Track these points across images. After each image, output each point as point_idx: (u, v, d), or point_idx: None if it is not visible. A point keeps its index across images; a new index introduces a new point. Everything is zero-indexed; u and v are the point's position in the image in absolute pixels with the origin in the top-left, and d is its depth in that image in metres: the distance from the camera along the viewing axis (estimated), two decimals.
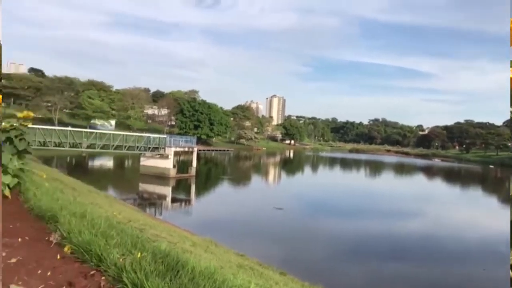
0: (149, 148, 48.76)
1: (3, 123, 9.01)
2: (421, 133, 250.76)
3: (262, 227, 28.65)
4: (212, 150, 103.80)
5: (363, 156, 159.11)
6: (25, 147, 8.63)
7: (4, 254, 4.57)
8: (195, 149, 55.75)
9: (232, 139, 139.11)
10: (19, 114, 8.87)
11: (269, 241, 24.15)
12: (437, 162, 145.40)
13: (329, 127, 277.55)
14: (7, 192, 8.14)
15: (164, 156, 49.37)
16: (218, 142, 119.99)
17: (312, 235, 26.70)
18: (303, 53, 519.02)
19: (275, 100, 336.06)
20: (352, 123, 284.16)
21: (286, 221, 30.88)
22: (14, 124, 8.69)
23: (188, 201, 40.92)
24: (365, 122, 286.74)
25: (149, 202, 37.67)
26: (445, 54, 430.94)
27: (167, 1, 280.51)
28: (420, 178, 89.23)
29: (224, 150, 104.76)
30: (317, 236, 26.39)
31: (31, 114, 8.54)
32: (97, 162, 68.39)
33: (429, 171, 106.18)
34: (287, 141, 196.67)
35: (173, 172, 49.99)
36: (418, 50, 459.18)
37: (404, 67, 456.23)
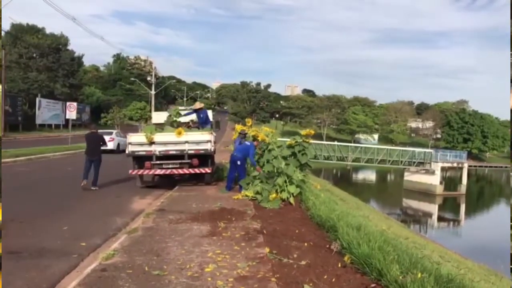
0: (414, 162, 47.28)
1: (288, 140, 10.42)
2: None
3: None
4: (486, 166, 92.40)
5: None
6: (306, 161, 9.75)
7: (295, 255, 5.24)
8: (465, 165, 50.79)
9: None
10: (302, 132, 10.08)
11: None
12: None
13: None
14: (291, 199, 9.31)
15: (430, 172, 46.92)
16: (492, 157, 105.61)
17: None
18: None
19: None
20: None
21: None
22: (298, 141, 9.93)
23: (457, 222, 37.58)
24: None
25: (413, 218, 36.38)
26: None
27: (434, 9, 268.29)
28: None
29: (501, 167, 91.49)
30: None
31: (312, 132, 9.57)
32: (360, 175, 70.31)
33: None
34: None
35: (439, 189, 46.90)
36: None
37: None
